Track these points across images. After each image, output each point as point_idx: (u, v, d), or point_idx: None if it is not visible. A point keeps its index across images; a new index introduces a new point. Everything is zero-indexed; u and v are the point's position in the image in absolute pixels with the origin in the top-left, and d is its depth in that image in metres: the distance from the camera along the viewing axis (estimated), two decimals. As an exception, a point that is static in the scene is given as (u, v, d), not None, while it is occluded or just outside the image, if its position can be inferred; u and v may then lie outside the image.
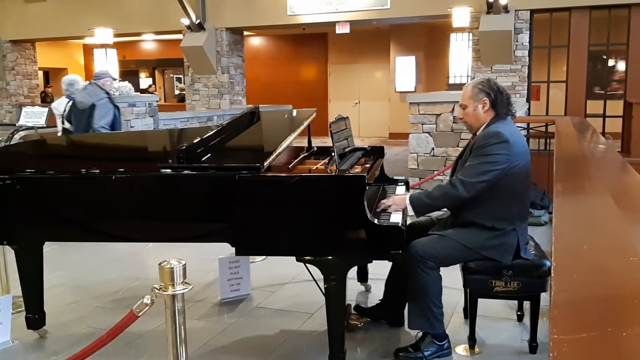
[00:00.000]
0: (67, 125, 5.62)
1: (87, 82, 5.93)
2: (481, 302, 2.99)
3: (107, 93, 5.46)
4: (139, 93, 10.26)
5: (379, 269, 3.46)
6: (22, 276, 3.19)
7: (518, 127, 6.53)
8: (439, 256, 2.80)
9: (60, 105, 5.96)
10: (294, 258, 2.71)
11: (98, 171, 2.91)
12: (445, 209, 3.04)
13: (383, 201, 2.98)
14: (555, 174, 2.43)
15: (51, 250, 4.39)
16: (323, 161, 3.46)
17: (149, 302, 2.18)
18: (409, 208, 2.87)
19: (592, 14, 8.75)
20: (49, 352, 3.12)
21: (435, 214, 3.18)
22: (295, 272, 4.06)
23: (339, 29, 10.64)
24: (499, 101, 2.84)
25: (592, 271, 1.28)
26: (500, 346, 3.08)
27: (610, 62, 11.40)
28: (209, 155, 2.95)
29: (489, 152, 2.74)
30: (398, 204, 2.91)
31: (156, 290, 2.13)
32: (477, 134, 2.90)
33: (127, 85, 7.47)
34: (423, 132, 5.79)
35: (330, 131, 2.96)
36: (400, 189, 3.51)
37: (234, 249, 2.74)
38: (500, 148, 2.73)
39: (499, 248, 2.81)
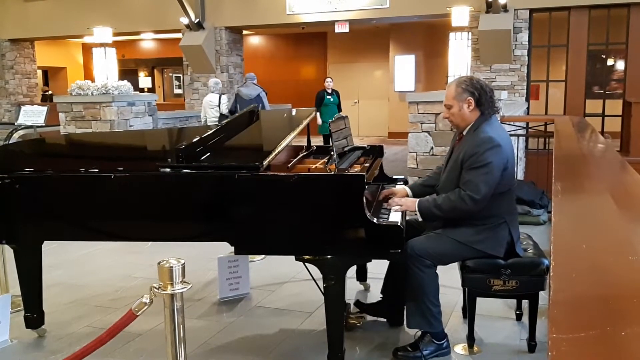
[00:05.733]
0: (225, 112, 8.22)
1: (244, 81, 9.05)
2: (480, 301, 2.99)
3: (261, 87, 8.48)
4: (138, 92, 10.27)
5: (378, 268, 3.45)
6: (21, 275, 3.18)
7: (517, 126, 6.61)
8: (434, 254, 2.80)
9: (214, 99, 8.45)
10: (293, 257, 2.70)
11: (97, 170, 2.91)
12: None
13: (395, 199, 2.99)
14: (555, 173, 2.42)
15: (50, 249, 4.39)
16: (322, 160, 3.46)
17: (148, 301, 2.18)
18: (418, 215, 2.89)
19: (592, 13, 8.77)
20: (48, 351, 3.12)
21: None
22: (295, 271, 4.06)
23: (338, 28, 10.64)
24: (484, 100, 2.84)
25: (591, 270, 1.28)
26: (499, 345, 3.08)
27: (610, 62, 11.40)
28: (208, 154, 2.95)
29: (485, 160, 2.74)
30: (408, 207, 2.92)
31: (155, 290, 2.12)
32: (464, 133, 2.91)
33: (126, 85, 7.47)
34: (422, 132, 5.78)
35: (330, 130, 2.97)
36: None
37: (233, 248, 2.74)
38: (494, 154, 2.75)
39: (491, 240, 2.83)
